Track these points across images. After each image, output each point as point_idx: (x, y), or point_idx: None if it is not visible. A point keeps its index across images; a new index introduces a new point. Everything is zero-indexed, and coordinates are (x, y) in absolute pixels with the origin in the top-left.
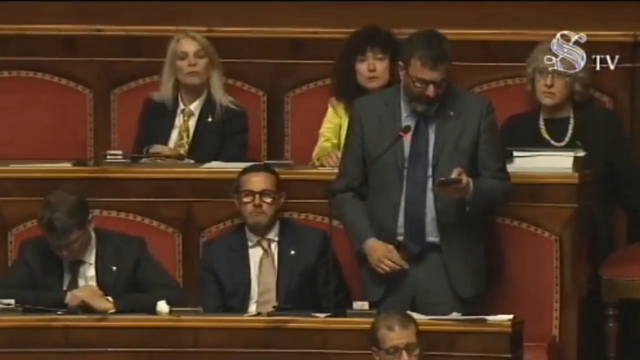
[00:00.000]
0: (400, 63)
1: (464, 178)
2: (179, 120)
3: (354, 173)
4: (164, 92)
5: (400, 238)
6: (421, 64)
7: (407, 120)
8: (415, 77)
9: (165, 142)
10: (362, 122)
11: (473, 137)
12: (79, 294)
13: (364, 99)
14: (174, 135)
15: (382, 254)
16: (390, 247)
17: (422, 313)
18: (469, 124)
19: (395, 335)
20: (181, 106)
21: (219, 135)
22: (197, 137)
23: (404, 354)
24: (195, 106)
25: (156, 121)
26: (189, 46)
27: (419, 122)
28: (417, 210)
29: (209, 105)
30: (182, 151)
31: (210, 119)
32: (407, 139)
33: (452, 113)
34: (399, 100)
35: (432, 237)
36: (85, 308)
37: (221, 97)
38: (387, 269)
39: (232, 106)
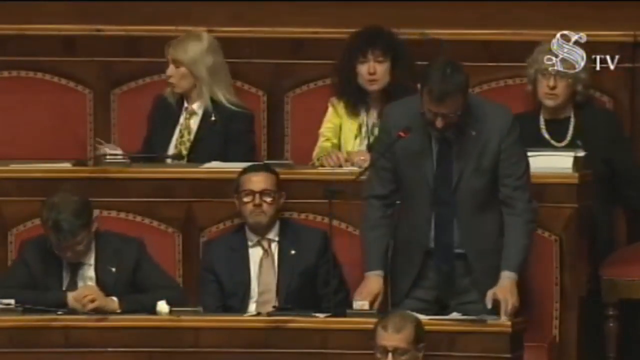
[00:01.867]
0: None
1: (510, 305)
2: (182, 119)
3: (382, 181)
4: (169, 91)
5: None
6: (429, 98)
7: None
8: (425, 106)
9: (168, 140)
10: (392, 132)
11: (494, 156)
12: (90, 299)
13: (394, 107)
14: (176, 133)
15: (367, 293)
16: (379, 294)
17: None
18: (491, 143)
19: (387, 336)
20: (185, 105)
21: (221, 136)
22: (199, 136)
23: (390, 357)
24: (197, 105)
25: (162, 119)
26: (170, 54)
27: (442, 144)
28: (446, 227)
29: (212, 105)
30: (184, 149)
31: (213, 119)
32: (433, 161)
33: (474, 133)
34: None
35: (459, 249)
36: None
37: (221, 98)
38: (357, 305)
39: (237, 107)
